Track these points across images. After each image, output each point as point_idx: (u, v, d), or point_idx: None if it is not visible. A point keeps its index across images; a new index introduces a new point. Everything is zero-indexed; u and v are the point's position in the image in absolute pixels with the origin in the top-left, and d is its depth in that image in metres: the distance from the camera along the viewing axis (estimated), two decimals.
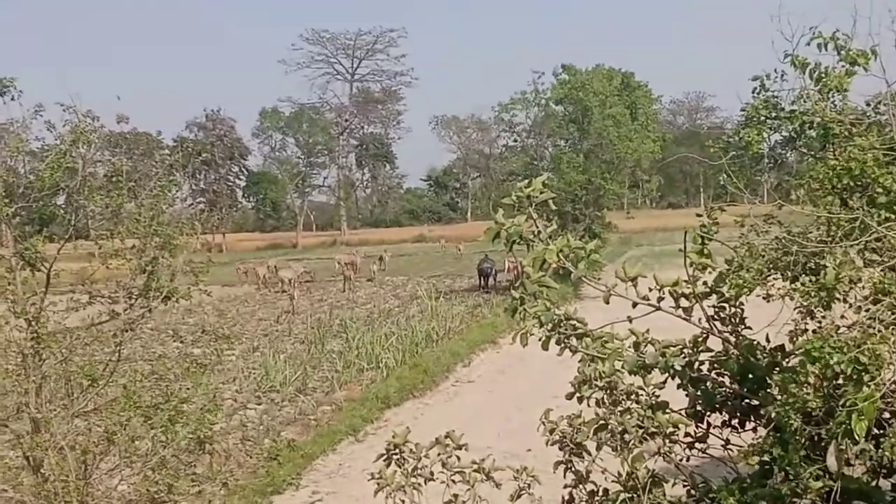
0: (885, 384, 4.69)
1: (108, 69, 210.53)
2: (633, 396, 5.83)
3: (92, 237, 10.85)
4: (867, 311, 5.08)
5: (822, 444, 5.24)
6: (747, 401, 6.09)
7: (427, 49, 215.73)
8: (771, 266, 6.10)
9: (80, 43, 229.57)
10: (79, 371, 10.63)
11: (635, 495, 5.73)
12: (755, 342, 6.16)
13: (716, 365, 6.12)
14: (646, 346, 5.98)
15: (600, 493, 6.23)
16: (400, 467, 6.41)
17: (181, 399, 11.08)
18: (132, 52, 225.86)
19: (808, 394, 4.99)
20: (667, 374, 5.98)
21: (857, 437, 4.70)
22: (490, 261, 45.64)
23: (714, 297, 6.21)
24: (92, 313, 10.86)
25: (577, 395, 5.90)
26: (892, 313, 5.01)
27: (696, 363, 6.08)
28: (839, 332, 5.15)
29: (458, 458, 6.39)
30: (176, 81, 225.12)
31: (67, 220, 11.04)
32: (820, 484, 5.20)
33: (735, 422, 6.26)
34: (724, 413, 6.23)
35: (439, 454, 6.39)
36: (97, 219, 10.83)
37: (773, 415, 5.36)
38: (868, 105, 7.61)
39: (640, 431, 5.65)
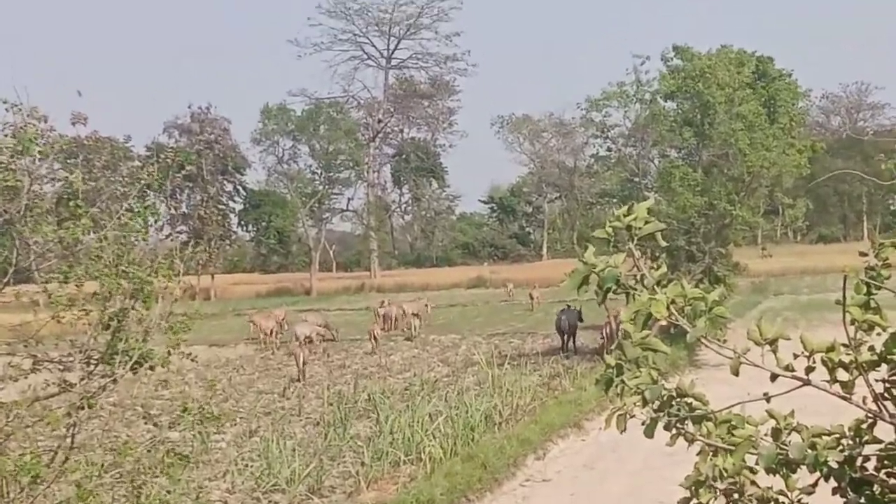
0: None
1: (62, 56, 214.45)
2: None
3: (38, 280, 10.97)
4: None
5: None
6: None
7: (488, 26, 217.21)
8: None
9: (27, 26, 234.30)
10: (17, 464, 10.72)
11: None
12: None
13: (886, 462, 6.05)
14: (789, 434, 5.81)
15: None
16: None
17: (155, 502, 11.16)
18: (94, 37, 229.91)
19: None
20: (818, 474, 5.91)
21: None
22: (574, 312, 45.56)
23: (885, 367, 6.12)
24: (36, 384, 10.95)
25: (693, 500, 5.86)
26: None
27: (859, 459, 6.00)
28: None
29: None
30: (152, 70, 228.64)
31: (5, 257, 11.18)
32: None
33: None
34: None
35: None
36: (45, 256, 10.97)
37: None
38: None
39: None
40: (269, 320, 56.12)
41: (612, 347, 5.69)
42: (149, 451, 11.92)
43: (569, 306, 46.21)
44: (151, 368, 11.15)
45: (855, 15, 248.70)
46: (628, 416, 5.55)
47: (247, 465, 25.99)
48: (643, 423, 5.62)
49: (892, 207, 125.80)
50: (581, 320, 45.35)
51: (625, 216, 5.60)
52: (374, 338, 50.25)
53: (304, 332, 48.37)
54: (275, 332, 54.83)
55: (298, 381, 40.37)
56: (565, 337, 45.76)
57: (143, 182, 12.05)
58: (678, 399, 5.63)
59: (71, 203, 11.02)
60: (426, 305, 65.06)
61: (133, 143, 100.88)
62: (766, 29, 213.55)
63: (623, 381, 5.54)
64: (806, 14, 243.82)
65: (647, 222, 5.58)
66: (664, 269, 5.67)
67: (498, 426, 29.93)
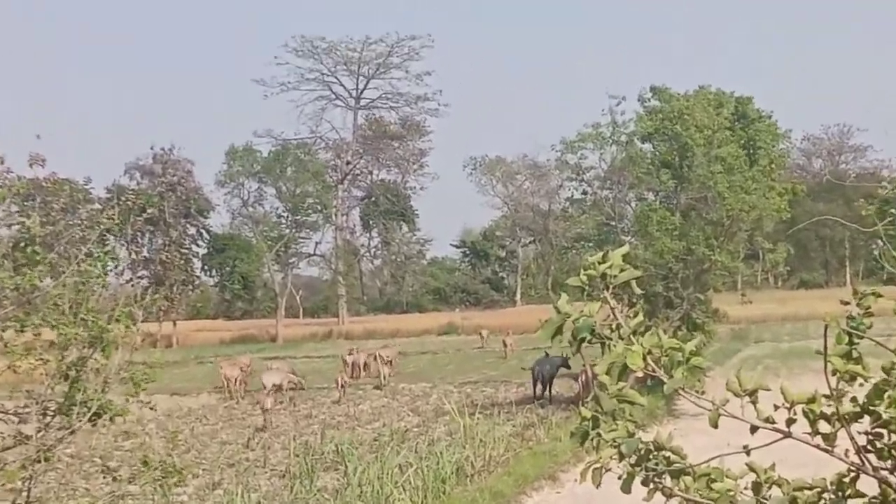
0: None
1: (20, 94, 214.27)
2: None
3: None
4: None
5: None
6: None
7: (460, 66, 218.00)
8: None
9: None
10: None
11: None
12: None
13: None
14: (770, 487, 5.82)
15: None
16: None
17: None
18: (53, 74, 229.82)
19: None
20: None
21: None
22: (552, 360, 45.55)
23: (867, 419, 6.12)
24: None
25: None
26: None
27: None
28: None
29: None
30: (112, 109, 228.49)
31: None
32: None
33: None
34: None
35: None
36: (1, 303, 10.92)
37: None
38: None
39: None
40: (233, 368, 55.86)
41: (588, 399, 5.69)
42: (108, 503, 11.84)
43: (547, 354, 46.25)
44: (111, 420, 11.08)
45: (837, 55, 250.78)
46: (604, 470, 5.55)
47: None
48: (620, 477, 5.62)
49: (874, 253, 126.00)
50: (568, 367, 45.14)
51: (600, 263, 5.59)
52: (342, 386, 50.15)
53: (272, 381, 48.25)
54: (239, 381, 54.61)
55: (264, 430, 40.26)
56: (539, 386, 45.76)
57: (103, 226, 12.02)
58: (656, 452, 5.63)
59: (28, 248, 10.98)
60: (399, 353, 65.23)
61: (93, 185, 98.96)
62: (745, 70, 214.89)
63: (599, 434, 5.54)
64: (786, 55, 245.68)
65: (622, 269, 5.57)
66: (640, 317, 5.65)
67: (470, 478, 29.85)
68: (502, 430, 36.78)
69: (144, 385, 11.11)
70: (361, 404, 48.53)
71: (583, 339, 5.46)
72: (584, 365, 40.18)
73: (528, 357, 58.84)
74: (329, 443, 35.74)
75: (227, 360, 61.81)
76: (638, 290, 5.75)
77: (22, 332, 10.75)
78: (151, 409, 11.39)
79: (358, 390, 53.21)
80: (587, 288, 5.60)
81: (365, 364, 60.15)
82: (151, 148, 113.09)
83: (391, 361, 61.03)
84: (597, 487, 5.58)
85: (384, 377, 54.90)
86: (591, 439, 5.57)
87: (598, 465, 5.54)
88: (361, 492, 27.42)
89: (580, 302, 5.54)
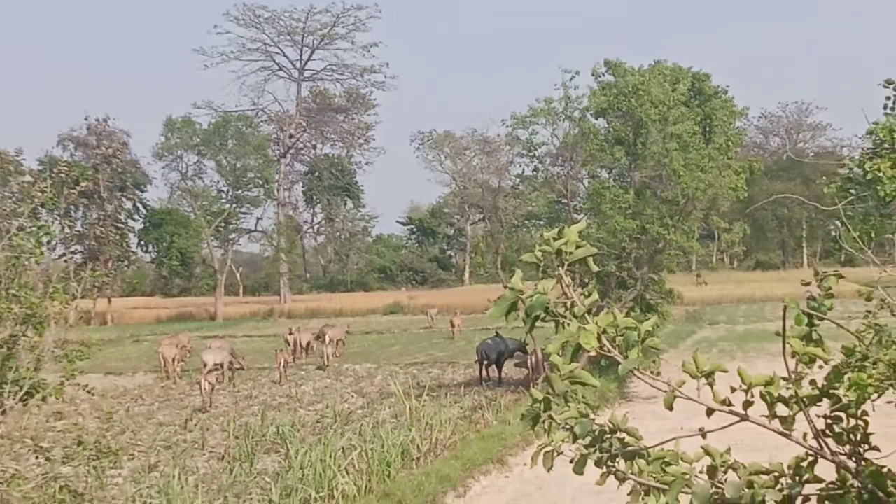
0: None
1: None
2: None
3: None
4: None
5: None
6: None
7: (408, 37, 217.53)
8: None
9: None
10: None
11: None
12: (885, 469, 6.09)
13: (827, 502, 6.07)
14: (725, 472, 5.80)
15: None
16: None
17: None
18: None
19: None
20: None
21: None
22: (501, 340, 45.62)
23: (826, 402, 6.15)
24: None
25: None
26: None
27: (799, 499, 6.02)
28: None
29: None
30: (44, 77, 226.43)
31: None
32: None
33: None
34: None
35: None
36: None
37: None
38: None
39: None
40: (171, 347, 55.50)
41: (540, 380, 5.68)
42: (39, 487, 11.76)
43: (497, 334, 46.29)
44: (44, 399, 11.01)
45: (797, 32, 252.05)
46: (556, 453, 5.54)
47: (145, 503, 25.72)
48: (571, 460, 5.60)
49: (832, 234, 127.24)
50: (525, 352, 44.84)
51: (555, 240, 5.57)
52: (284, 366, 50.07)
53: (213, 359, 48.06)
54: (177, 360, 54.35)
55: (203, 411, 40.12)
56: (485, 366, 45.82)
57: (35, 199, 11.90)
58: (609, 435, 5.62)
59: None
60: (347, 332, 65.21)
61: (24, 157, 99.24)
62: (703, 46, 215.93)
63: (551, 417, 5.53)
64: (745, 31, 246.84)
65: (578, 246, 5.56)
66: (595, 296, 5.64)
67: (416, 462, 29.83)
68: (449, 412, 36.76)
69: (78, 363, 11.01)
70: (304, 385, 48.43)
71: (536, 318, 5.44)
72: (533, 345, 40.37)
73: (477, 338, 58.93)
74: (270, 425, 35.60)
75: (169, 337, 61.46)
76: (594, 268, 5.72)
77: None
78: (88, 392, 11.29)
79: (300, 371, 53.19)
80: (541, 265, 5.58)
81: (308, 344, 60.06)
82: (85, 118, 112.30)
83: (339, 341, 61.36)
84: (548, 471, 5.58)
85: (327, 357, 54.79)
86: (543, 421, 5.57)
87: (549, 448, 5.54)
88: (303, 475, 27.32)
89: (533, 281, 5.52)
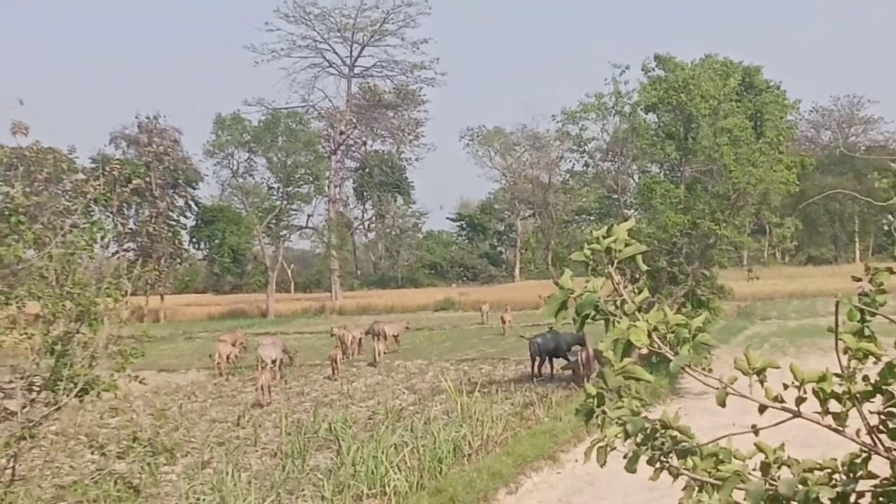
0: None
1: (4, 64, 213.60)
2: None
3: None
4: None
5: None
6: None
7: (458, 34, 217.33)
8: None
9: None
10: None
11: None
12: None
13: (881, 499, 6.01)
14: (779, 468, 5.76)
15: None
16: None
17: None
18: (35, 41, 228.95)
19: None
20: None
21: None
22: (554, 335, 45.41)
23: (879, 398, 6.10)
24: None
25: None
26: None
27: (853, 495, 5.97)
28: None
29: None
30: (97, 76, 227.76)
31: None
32: None
33: None
34: None
35: None
36: None
37: None
38: None
39: None
40: (227, 344, 55.69)
41: (593, 376, 5.65)
42: (94, 483, 11.82)
43: (551, 328, 46.05)
44: (98, 396, 11.06)
45: (849, 25, 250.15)
46: (609, 449, 5.53)
47: (199, 499, 25.78)
48: (624, 456, 5.59)
49: (885, 228, 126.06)
50: (584, 344, 44.25)
51: (604, 238, 5.54)
52: (335, 363, 50.19)
53: (269, 355, 48.23)
54: (231, 357, 54.60)
55: (260, 406, 40.29)
56: (538, 362, 45.69)
57: (88, 196, 11.96)
58: (662, 431, 5.60)
59: (12, 219, 10.93)
60: (406, 328, 65.72)
61: (77, 155, 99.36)
62: (754, 39, 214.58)
63: (605, 413, 5.51)
64: (796, 24, 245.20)
65: (627, 244, 5.54)
66: (646, 293, 5.61)
67: (467, 458, 29.80)
68: (500, 408, 36.69)
69: (132, 359, 11.06)
70: (355, 382, 48.46)
71: (586, 316, 5.44)
72: (584, 343, 40.34)
73: (528, 334, 58.94)
74: (322, 421, 35.66)
75: (226, 334, 61.70)
76: (643, 267, 5.69)
77: (6, 305, 10.71)
78: (141, 382, 11.34)
79: (352, 367, 53.23)
80: (591, 263, 5.56)
81: (356, 340, 60.32)
82: (137, 116, 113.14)
83: (396, 336, 62.29)
84: (601, 466, 5.56)
85: (378, 354, 54.88)
86: (596, 417, 5.55)
87: (602, 444, 5.53)
88: (355, 471, 27.35)
89: (582, 278, 5.51)
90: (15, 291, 10.80)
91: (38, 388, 10.77)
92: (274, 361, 47.58)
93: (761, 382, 5.53)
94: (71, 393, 10.74)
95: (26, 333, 10.78)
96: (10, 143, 11.91)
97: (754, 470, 5.68)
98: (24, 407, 10.75)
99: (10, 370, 10.85)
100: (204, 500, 25.72)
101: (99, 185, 12.64)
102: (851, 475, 5.86)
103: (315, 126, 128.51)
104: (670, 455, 5.58)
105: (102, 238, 14.30)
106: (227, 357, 53.98)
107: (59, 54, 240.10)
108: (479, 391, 39.36)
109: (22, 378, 10.74)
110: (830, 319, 5.56)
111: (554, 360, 46.09)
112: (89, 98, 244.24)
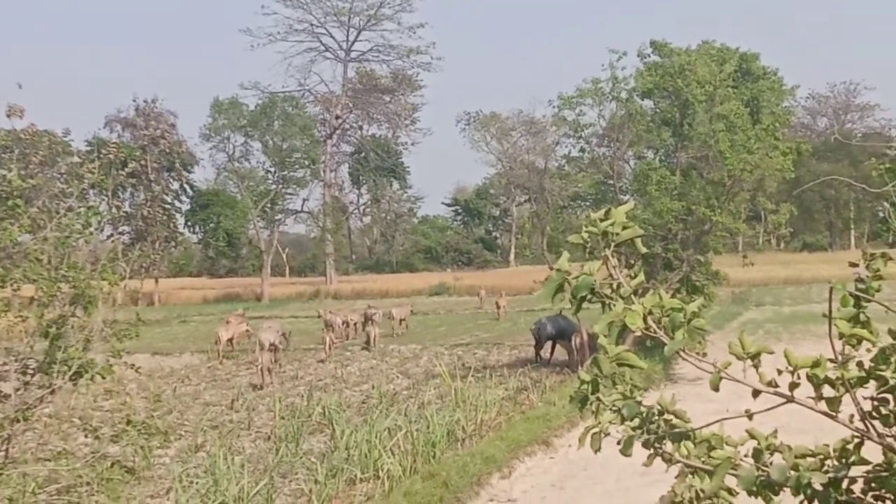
0: None
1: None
2: None
3: None
4: None
5: None
6: None
7: (454, 18, 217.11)
8: None
9: None
10: None
11: None
12: None
13: (874, 484, 6.02)
14: (771, 454, 5.78)
15: None
16: None
17: None
18: (30, 23, 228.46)
19: None
20: (801, 497, 5.88)
21: None
22: (558, 318, 45.25)
23: (873, 384, 6.06)
24: None
25: None
26: None
27: (846, 481, 5.98)
28: None
29: None
30: (92, 59, 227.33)
31: None
32: None
33: None
34: None
35: None
36: None
37: None
38: None
39: None
40: (229, 329, 55.63)
41: (587, 362, 5.65)
42: (88, 465, 11.83)
43: (561, 313, 45.89)
44: (92, 379, 11.06)
45: (847, 12, 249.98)
46: (603, 435, 5.54)
47: (192, 482, 25.76)
48: (618, 442, 5.60)
49: (880, 215, 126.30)
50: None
51: (601, 220, 5.56)
52: (328, 347, 50.31)
53: (268, 339, 48.23)
54: (233, 341, 54.76)
55: (259, 388, 40.42)
56: (541, 343, 45.57)
57: (84, 180, 11.94)
58: (657, 416, 5.61)
59: (9, 202, 10.92)
60: (412, 312, 66.38)
61: (72, 138, 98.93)
62: (750, 25, 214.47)
63: (600, 398, 5.52)
64: (792, 10, 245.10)
65: (625, 228, 5.55)
66: (641, 277, 5.62)
67: (461, 442, 29.82)
68: (494, 393, 36.69)
69: (126, 341, 11.07)
70: (349, 366, 48.47)
71: (583, 298, 5.44)
72: (578, 327, 40.37)
73: (522, 319, 59.02)
74: (316, 405, 35.65)
75: (235, 315, 61.68)
76: (642, 250, 5.70)
77: (2, 287, 10.70)
78: (136, 370, 11.34)
79: (345, 352, 53.29)
80: (587, 246, 5.57)
81: (355, 324, 60.69)
82: (133, 100, 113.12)
83: (404, 320, 63.56)
84: (596, 452, 5.57)
85: (373, 339, 54.95)
86: (591, 403, 5.56)
87: (597, 430, 5.54)
88: (349, 455, 27.35)
89: (579, 263, 5.51)
90: (10, 274, 10.78)
91: (32, 371, 10.79)
92: (272, 344, 47.56)
93: (755, 367, 5.53)
94: (65, 376, 10.74)
95: (21, 316, 10.79)
96: (5, 125, 11.89)
97: (746, 456, 5.69)
98: (18, 389, 10.75)
99: (4, 353, 10.85)
100: (197, 483, 25.72)
101: (94, 167, 12.60)
102: (844, 461, 5.86)
103: (311, 110, 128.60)
104: (665, 440, 5.59)
105: (98, 222, 14.28)
106: (230, 340, 54.05)
107: (54, 37, 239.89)
108: (472, 376, 39.34)
109: (16, 361, 10.74)
110: (825, 306, 5.57)
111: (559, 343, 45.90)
112: (85, 81, 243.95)
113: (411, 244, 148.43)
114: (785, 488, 5.72)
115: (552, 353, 46.01)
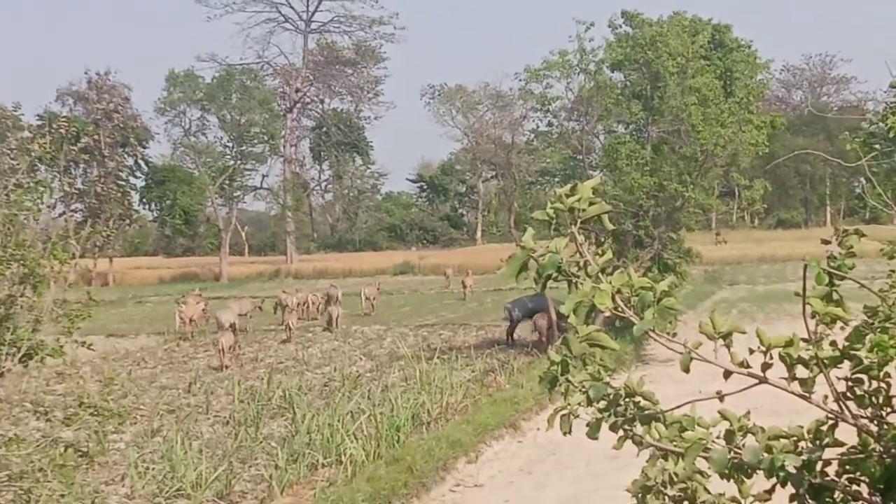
0: None
1: None
2: None
3: None
4: None
5: None
6: None
7: None
8: None
9: None
10: None
11: None
12: None
13: (848, 466, 6.05)
14: (744, 436, 5.78)
15: None
16: None
17: None
18: None
19: None
20: (775, 479, 5.91)
21: None
22: (531, 298, 45.30)
23: (847, 364, 6.04)
24: None
25: None
26: None
27: (819, 463, 6.00)
28: None
29: None
30: (42, 29, 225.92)
31: None
32: None
33: None
34: None
35: None
36: None
37: None
38: None
39: None
40: (191, 308, 55.57)
41: (556, 342, 5.64)
42: (39, 450, 11.80)
43: (539, 294, 45.82)
44: (43, 361, 11.03)
45: None
46: (573, 417, 5.53)
47: (148, 468, 25.70)
48: (587, 424, 5.60)
49: (857, 191, 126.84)
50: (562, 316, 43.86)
51: (568, 196, 5.52)
52: (289, 328, 50.34)
53: (227, 319, 48.09)
54: (198, 320, 54.77)
55: (220, 369, 40.43)
56: (515, 322, 45.62)
57: (34, 155, 11.89)
58: (625, 398, 5.61)
59: None
60: (378, 289, 66.43)
61: (23, 112, 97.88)
62: None
63: (569, 380, 5.50)
64: None
65: (591, 203, 5.51)
66: (610, 255, 5.58)
67: (426, 426, 29.85)
68: (460, 375, 36.71)
69: (79, 323, 11.03)
70: (311, 347, 48.41)
71: (548, 277, 5.42)
72: (546, 307, 40.49)
73: (489, 298, 59.11)
74: (276, 388, 35.61)
75: (194, 294, 61.49)
76: (609, 226, 5.68)
77: None
78: (89, 348, 11.31)
79: (307, 333, 53.24)
80: (554, 222, 5.53)
81: (317, 305, 60.85)
82: (86, 72, 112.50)
83: (373, 300, 63.81)
84: (565, 434, 5.55)
85: (335, 319, 54.88)
86: (560, 384, 5.55)
87: (566, 412, 5.53)
88: (310, 440, 27.32)
89: (546, 241, 5.49)
90: None
91: None
92: (232, 325, 47.44)
93: (727, 348, 5.51)
94: (14, 358, 10.70)
95: None
96: None
97: (718, 438, 5.69)
98: None
99: None
100: (153, 468, 25.65)
101: (45, 142, 12.56)
102: (818, 443, 5.86)
103: (270, 83, 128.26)
104: (634, 423, 5.60)
105: (49, 197, 14.21)
106: (191, 319, 53.98)
107: (3, 8, 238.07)
108: (438, 357, 39.45)
109: None
110: (800, 285, 5.55)
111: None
112: (35, 53, 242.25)
113: (375, 222, 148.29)
114: (758, 471, 5.73)
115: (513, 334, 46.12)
